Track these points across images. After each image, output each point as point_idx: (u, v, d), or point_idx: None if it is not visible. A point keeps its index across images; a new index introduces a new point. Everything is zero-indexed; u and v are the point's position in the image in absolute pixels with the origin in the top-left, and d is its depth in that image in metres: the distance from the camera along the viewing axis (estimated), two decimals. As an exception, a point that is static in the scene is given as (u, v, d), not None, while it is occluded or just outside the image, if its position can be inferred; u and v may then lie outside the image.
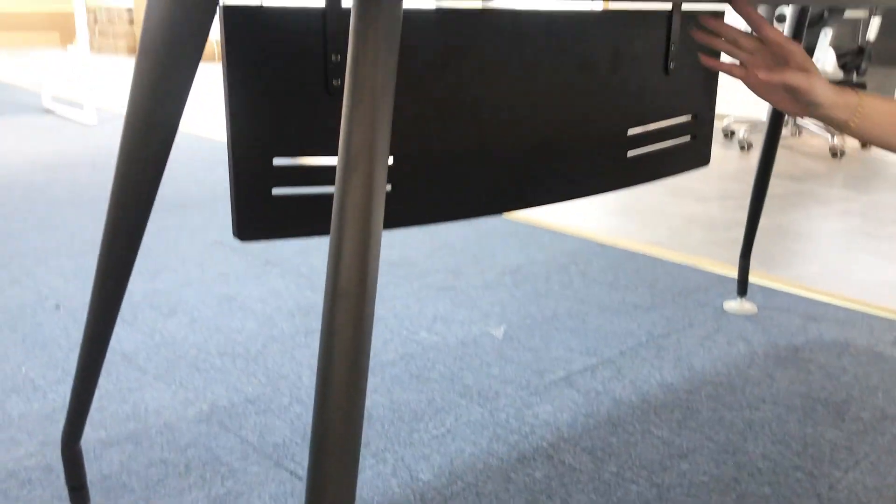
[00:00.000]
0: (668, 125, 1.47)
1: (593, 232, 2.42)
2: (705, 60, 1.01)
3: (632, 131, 1.41)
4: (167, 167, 3.24)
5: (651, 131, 1.44)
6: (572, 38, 1.27)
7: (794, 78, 0.93)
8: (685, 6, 1.46)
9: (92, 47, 9.80)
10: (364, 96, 0.52)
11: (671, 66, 1.42)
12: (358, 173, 0.53)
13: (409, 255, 2.16)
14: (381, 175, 0.54)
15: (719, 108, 4.75)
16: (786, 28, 1.59)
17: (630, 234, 2.39)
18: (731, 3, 0.97)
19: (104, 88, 5.91)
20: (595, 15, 1.29)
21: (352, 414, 0.53)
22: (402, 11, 0.62)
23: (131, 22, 8.91)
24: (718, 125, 4.61)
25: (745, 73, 0.98)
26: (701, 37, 0.99)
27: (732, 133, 4.21)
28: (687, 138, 1.52)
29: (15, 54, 8.87)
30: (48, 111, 4.75)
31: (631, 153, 1.42)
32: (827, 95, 0.93)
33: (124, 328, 1.66)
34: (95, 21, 10.05)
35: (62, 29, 4.32)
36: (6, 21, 4.05)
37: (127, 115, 0.87)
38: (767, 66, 0.97)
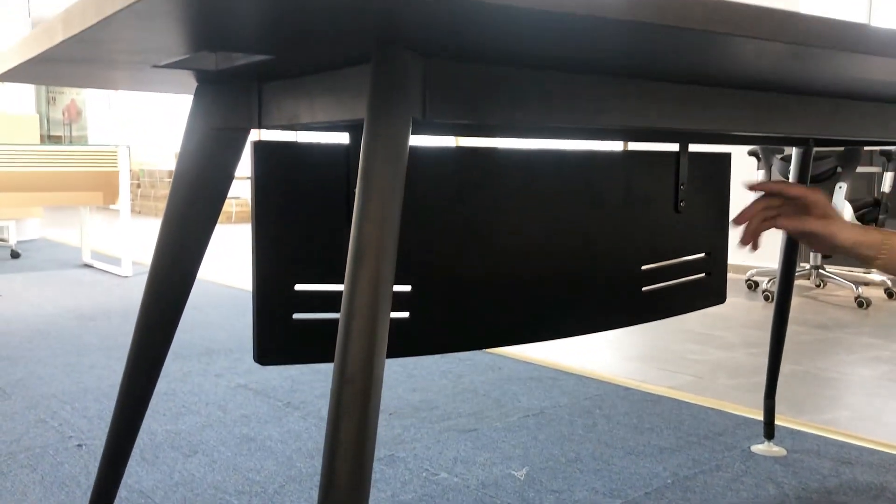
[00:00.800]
0: (682, 262, 1.50)
1: (617, 376, 2.40)
2: (738, 221, 1.12)
3: (645, 267, 1.45)
4: (198, 315, 3.31)
5: (665, 267, 1.48)
6: (583, 177, 1.33)
7: (814, 225, 1.03)
8: (692, 147, 1.53)
9: (133, 209, 10.23)
10: (373, 195, 0.57)
11: (681, 204, 1.48)
12: (366, 266, 0.56)
13: (431, 398, 2.16)
14: (388, 269, 0.57)
15: (742, 260, 4.80)
16: (792, 168, 1.65)
17: (655, 380, 2.37)
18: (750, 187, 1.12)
19: (142, 245, 6.14)
20: (604, 154, 1.36)
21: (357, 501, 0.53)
22: (409, 144, 0.68)
23: (173, 185, 9.33)
24: (741, 277, 4.64)
25: (773, 223, 1.09)
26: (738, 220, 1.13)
27: (756, 284, 4.22)
28: (702, 276, 1.55)
29: (61, 212, 9.30)
30: (87, 265, 4.92)
31: (646, 289, 1.45)
32: (849, 237, 1.01)
33: (144, 467, 1.66)
34: (139, 185, 10.57)
35: (106, 189, 4.56)
36: (55, 181, 4.29)
37: (154, 255, 0.92)
38: (791, 216, 1.07)
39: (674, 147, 1.46)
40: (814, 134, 1.06)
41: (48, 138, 13.04)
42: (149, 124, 11.64)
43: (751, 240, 1.13)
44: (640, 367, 2.54)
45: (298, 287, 1.06)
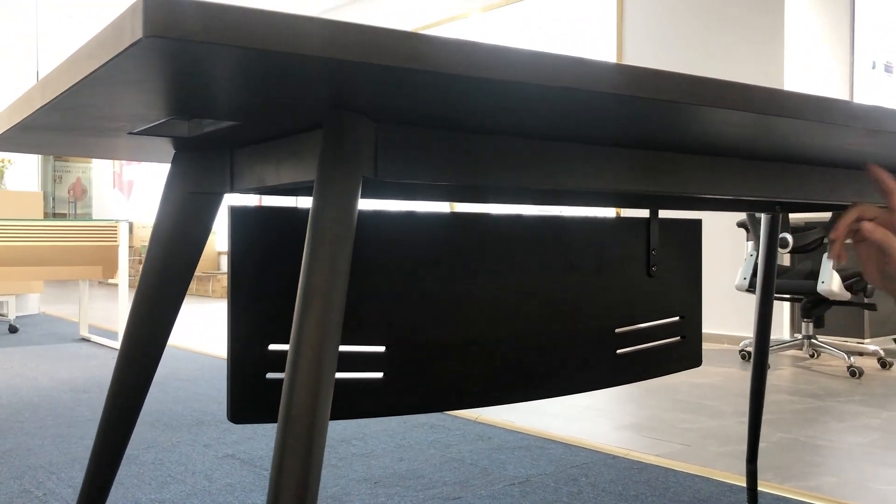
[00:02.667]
0: (656, 325, 1.54)
1: (605, 445, 2.40)
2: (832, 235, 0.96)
3: (619, 330, 1.48)
4: (190, 387, 3.32)
5: (639, 331, 1.51)
6: (556, 242, 1.38)
7: (885, 237, 0.91)
8: (662, 214, 1.58)
9: (132, 283, 10.27)
10: (321, 250, 0.61)
11: (654, 269, 1.52)
12: (312, 318, 0.60)
13: (418, 467, 2.16)
14: (335, 322, 0.61)
15: (736, 331, 4.81)
16: (762, 232, 1.69)
17: (644, 448, 2.37)
18: (867, 167, 0.97)
19: (140, 320, 6.15)
20: (577, 221, 1.41)
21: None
22: (358, 203, 0.72)
23: (173, 261, 9.42)
24: (735, 348, 4.64)
25: (858, 234, 0.95)
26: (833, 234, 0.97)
27: (749, 355, 4.23)
28: (676, 339, 1.58)
29: (61, 287, 9.35)
30: (85, 339, 4.94)
31: (620, 351, 1.48)
32: None
33: (124, 534, 1.65)
34: (140, 260, 10.65)
35: (106, 263, 4.61)
36: (55, 255, 4.35)
37: (130, 314, 0.96)
38: (878, 226, 0.94)
39: (645, 213, 1.51)
40: (779, 197, 1.11)
41: (53, 216, 13.22)
42: (152, 203, 11.81)
43: (838, 251, 0.96)
44: (630, 435, 2.53)
45: (272, 347, 1.09)
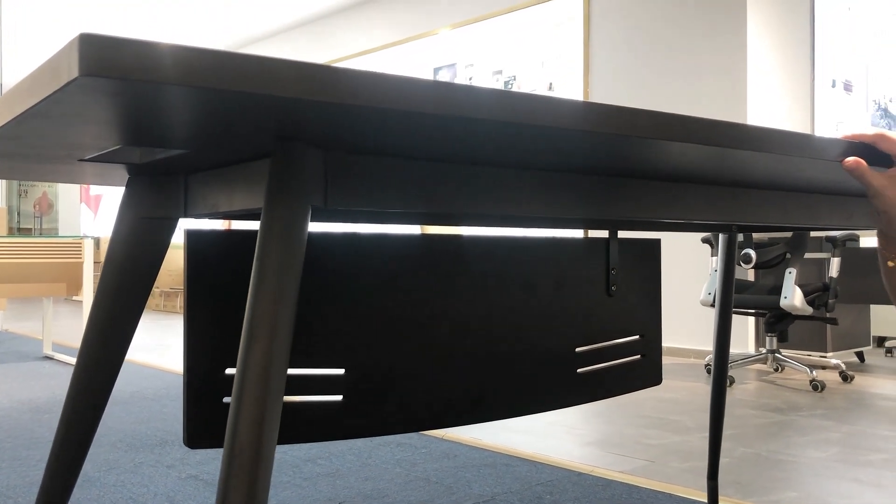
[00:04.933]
0: (616, 344, 1.55)
1: (571, 462, 2.41)
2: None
3: (580, 349, 1.49)
4: (155, 406, 3.28)
5: (599, 350, 1.52)
6: (515, 262, 1.39)
7: (877, 180, 0.94)
8: (621, 234, 1.60)
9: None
10: (267, 277, 0.61)
11: (613, 288, 1.54)
12: (258, 346, 0.60)
13: (383, 487, 2.15)
14: (282, 350, 0.61)
15: (701, 345, 4.86)
16: (719, 251, 1.72)
17: (609, 465, 2.38)
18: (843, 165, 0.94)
19: (106, 337, 6.07)
20: (536, 241, 1.43)
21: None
22: (307, 231, 0.73)
23: (141, 276, 9.31)
24: (700, 362, 4.69)
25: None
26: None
27: (716, 369, 4.27)
28: (637, 357, 1.59)
29: (23, 303, 9.20)
30: (48, 357, 4.86)
31: (581, 370, 1.49)
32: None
33: (82, 560, 1.63)
34: (107, 276, 10.52)
35: (70, 280, 4.55)
36: (18, 272, 4.29)
37: (84, 337, 0.95)
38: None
39: (604, 233, 1.53)
40: (733, 221, 1.13)
41: (18, 230, 13.01)
42: (119, 216, 11.67)
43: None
44: (595, 452, 2.55)
45: (229, 371, 1.09)
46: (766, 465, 2.38)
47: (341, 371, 1.19)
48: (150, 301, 9.23)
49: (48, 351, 4.93)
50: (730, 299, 1.73)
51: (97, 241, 10.83)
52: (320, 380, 1.17)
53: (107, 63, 0.42)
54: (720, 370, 1.75)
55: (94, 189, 12.52)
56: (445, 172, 0.80)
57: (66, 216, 13.22)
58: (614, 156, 0.79)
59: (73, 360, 4.60)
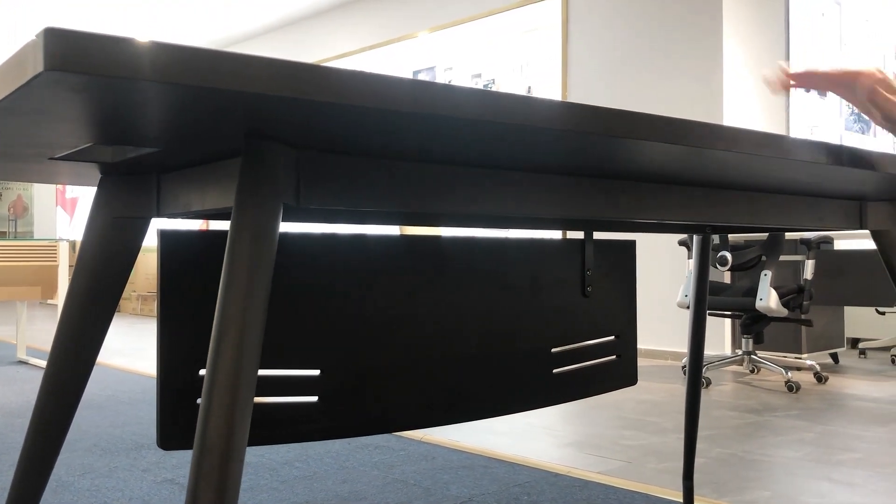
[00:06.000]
0: (592, 344, 1.56)
1: (548, 463, 2.41)
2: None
3: (556, 350, 1.50)
4: (130, 410, 3.25)
5: (575, 350, 1.53)
6: (491, 263, 1.39)
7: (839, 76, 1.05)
8: (596, 235, 1.61)
9: (77, 304, 10.02)
10: (237, 278, 0.61)
11: (589, 289, 1.54)
12: (228, 346, 0.60)
13: (360, 489, 2.14)
14: (252, 350, 0.61)
15: (678, 346, 4.90)
16: (693, 251, 1.73)
17: (586, 466, 2.39)
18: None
19: (81, 341, 6.00)
20: (513, 242, 1.43)
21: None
22: (279, 230, 0.72)
23: (117, 280, 9.24)
24: (678, 364, 4.72)
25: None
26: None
27: (693, 371, 4.30)
28: (612, 358, 1.60)
29: None
30: (22, 362, 4.81)
31: (556, 371, 1.50)
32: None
33: (55, 565, 1.61)
34: (83, 280, 10.43)
35: (45, 284, 4.50)
36: (-10, 275, 4.25)
37: (55, 338, 0.95)
38: None
39: (580, 235, 1.54)
40: (706, 222, 1.14)
41: (-9, 234, 12.86)
42: (96, 219, 11.56)
43: (779, 85, 1.08)
44: (573, 453, 2.56)
45: (203, 372, 1.08)
46: (741, 465, 2.40)
47: (317, 372, 1.19)
48: (127, 305, 9.16)
49: (22, 355, 4.87)
50: (704, 300, 1.75)
51: (73, 244, 10.73)
52: (296, 381, 1.17)
53: (72, 58, 0.42)
54: (695, 372, 1.76)
55: (70, 191, 12.39)
56: (421, 172, 0.80)
57: (42, 219, 13.07)
58: (589, 155, 0.80)
59: (48, 365, 4.55)
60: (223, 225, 9.09)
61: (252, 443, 1.13)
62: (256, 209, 0.63)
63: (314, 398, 1.19)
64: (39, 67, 0.42)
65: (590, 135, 0.65)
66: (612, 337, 1.60)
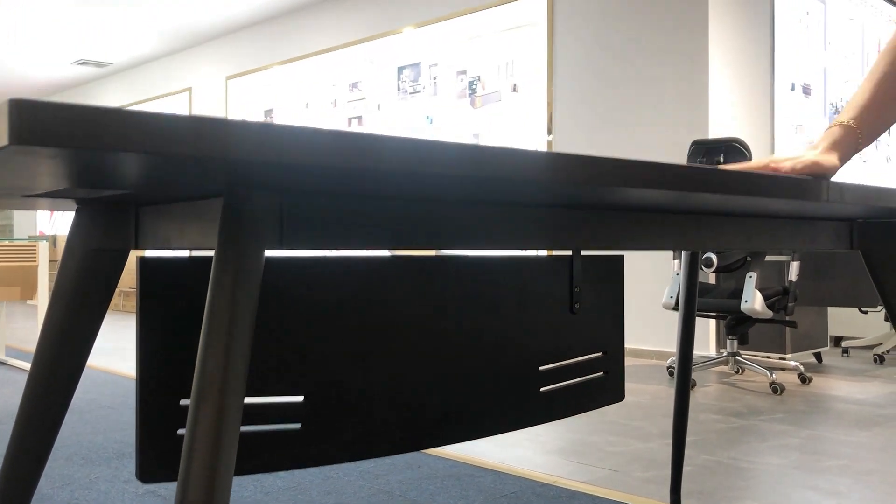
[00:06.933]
0: (579, 361, 1.55)
1: (535, 472, 2.41)
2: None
3: (543, 368, 1.48)
4: (112, 415, 3.21)
5: (562, 368, 1.52)
6: (478, 282, 1.38)
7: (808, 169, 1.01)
8: (584, 252, 1.60)
9: (58, 301, 9.93)
10: (219, 326, 0.59)
11: (577, 306, 1.53)
12: (210, 399, 0.57)
13: (345, 500, 2.12)
14: (235, 400, 0.59)
15: (663, 346, 4.91)
16: (682, 267, 1.72)
17: (572, 474, 2.39)
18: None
19: (63, 340, 5.93)
20: (499, 260, 1.41)
21: None
22: (261, 273, 0.70)
23: (99, 276, 9.17)
24: (662, 364, 4.73)
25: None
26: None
27: (677, 371, 4.31)
28: (599, 374, 1.59)
29: (-20, 309, 8.97)
30: (2, 363, 4.74)
31: (544, 389, 1.48)
32: (835, 164, 1.01)
33: (34, 586, 1.58)
34: (65, 276, 10.33)
35: (25, 284, 4.45)
36: (-31, 277, 4.18)
37: (36, 354, 0.92)
38: None
39: (567, 252, 1.52)
40: (698, 248, 1.13)
41: (-30, 228, 12.69)
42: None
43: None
44: (559, 461, 2.55)
45: (184, 402, 1.05)
46: (728, 474, 2.40)
47: (301, 398, 1.17)
48: (109, 301, 9.08)
49: (2, 356, 4.81)
50: (693, 310, 1.74)
51: (53, 240, 10.62)
52: (279, 408, 1.15)
53: (38, 132, 0.39)
54: (682, 392, 1.75)
55: (51, 186, 12.25)
56: (407, 211, 0.78)
57: (21, 214, 12.92)
58: (574, 195, 0.78)
59: (28, 366, 4.49)
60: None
61: (235, 473, 1.10)
62: (238, 258, 0.61)
63: (297, 425, 1.17)
64: (4, 140, 0.40)
65: (575, 185, 0.64)
66: (600, 353, 1.59)
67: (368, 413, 1.24)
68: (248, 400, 1.12)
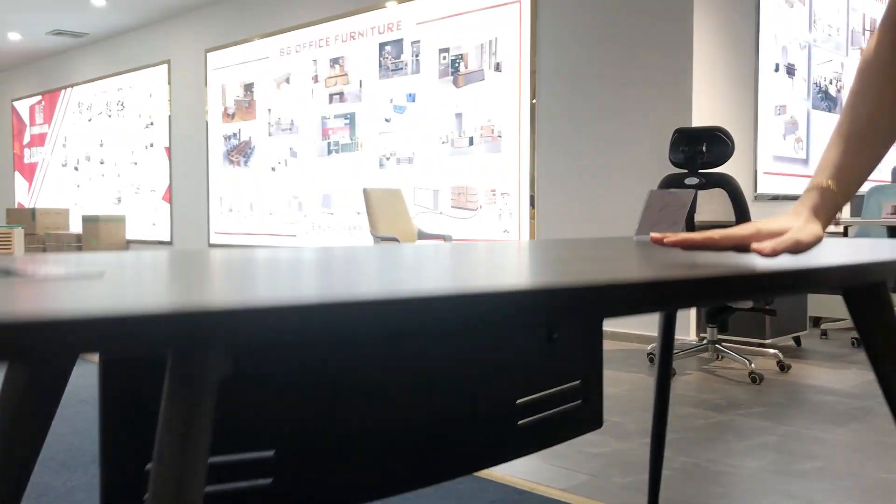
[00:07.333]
0: (557, 391, 1.53)
1: (513, 478, 2.41)
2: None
3: (521, 401, 1.47)
4: (92, 412, 3.18)
5: (540, 399, 1.50)
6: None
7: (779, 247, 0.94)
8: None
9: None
10: (172, 446, 0.56)
11: (554, 335, 1.51)
12: (170, 469, 0.55)
13: (324, 511, 2.12)
14: (197, 470, 0.56)
15: (645, 330, 4.92)
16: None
17: (551, 480, 2.39)
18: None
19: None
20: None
21: None
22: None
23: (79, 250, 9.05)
24: (643, 348, 4.75)
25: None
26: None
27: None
28: (577, 402, 1.58)
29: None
30: (-22, 350, 4.70)
31: (521, 422, 1.47)
32: (816, 235, 0.97)
33: None
34: (43, 249, 10.21)
35: None
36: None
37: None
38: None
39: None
40: (683, 307, 1.11)
41: (-53, 200, 12.52)
42: (57, 188, 11.31)
43: (671, 242, 0.92)
44: (539, 464, 2.55)
45: (149, 467, 1.03)
46: (706, 479, 2.41)
47: (270, 453, 1.15)
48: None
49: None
50: (670, 350, 1.73)
51: (33, 213, 10.49)
52: (248, 464, 1.12)
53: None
54: (661, 392, 1.74)
55: (29, 156, 12.08)
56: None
57: (0, 187, 12.75)
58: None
59: None
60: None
61: (204, 531, 1.08)
62: (187, 403, 0.58)
63: (268, 480, 1.15)
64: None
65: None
66: (577, 381, 1.58)
67: (342, 461, 1.22)
68: (216, 459, 1.10)
